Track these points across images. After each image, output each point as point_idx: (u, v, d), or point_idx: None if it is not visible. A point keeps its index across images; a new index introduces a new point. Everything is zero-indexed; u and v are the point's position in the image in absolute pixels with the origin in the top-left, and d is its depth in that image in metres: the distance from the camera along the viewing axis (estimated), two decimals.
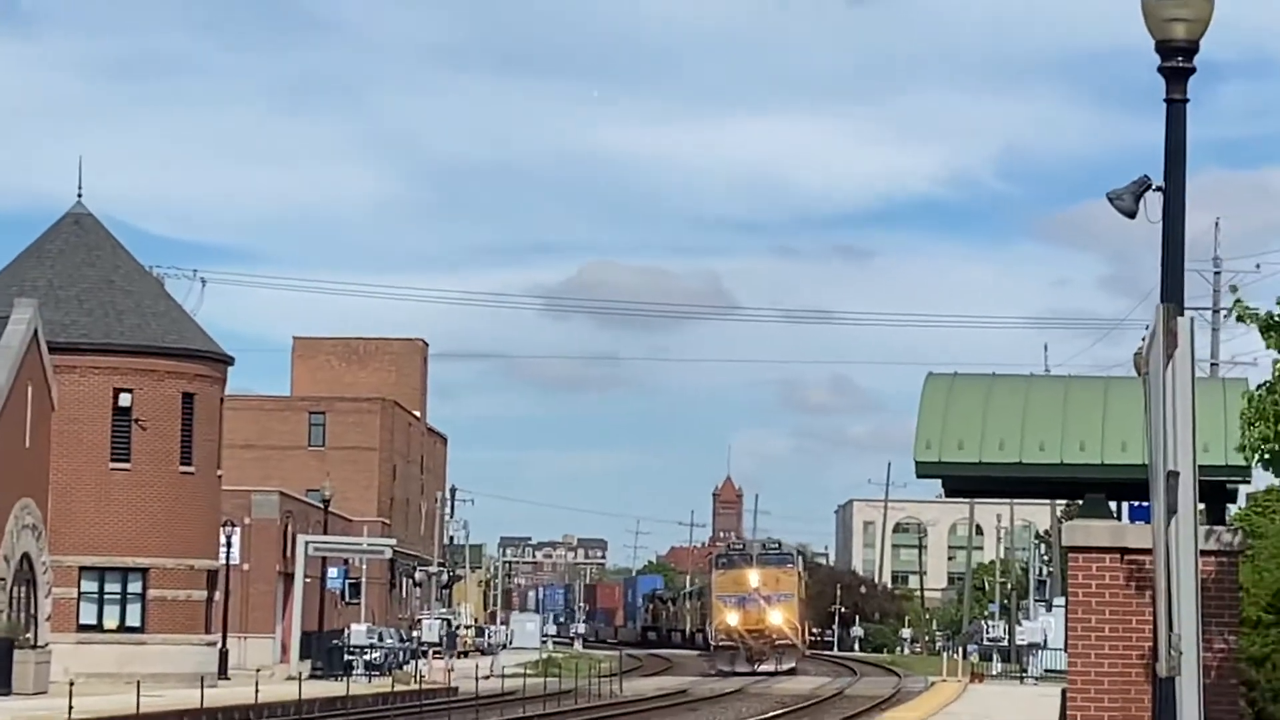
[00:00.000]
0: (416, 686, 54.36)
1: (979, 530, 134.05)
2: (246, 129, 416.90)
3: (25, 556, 43.63)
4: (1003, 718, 40.27)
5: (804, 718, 46.05)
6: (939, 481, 18.55)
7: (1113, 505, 11.55)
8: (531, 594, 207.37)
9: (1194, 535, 4.48)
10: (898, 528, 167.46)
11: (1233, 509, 19.44)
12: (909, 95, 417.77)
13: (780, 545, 58.38)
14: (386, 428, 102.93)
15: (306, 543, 63.36)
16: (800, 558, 58.90)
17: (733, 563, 55.35)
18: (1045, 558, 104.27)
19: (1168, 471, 4.36)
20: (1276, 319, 14.08)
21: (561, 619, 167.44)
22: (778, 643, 50.75)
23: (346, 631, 64.38)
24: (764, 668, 54.06)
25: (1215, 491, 16.33)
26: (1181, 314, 5.02)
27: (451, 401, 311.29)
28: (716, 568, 66.78)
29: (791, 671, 55.56)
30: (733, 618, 54.61)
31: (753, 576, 52.98)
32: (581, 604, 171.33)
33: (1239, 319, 14.19)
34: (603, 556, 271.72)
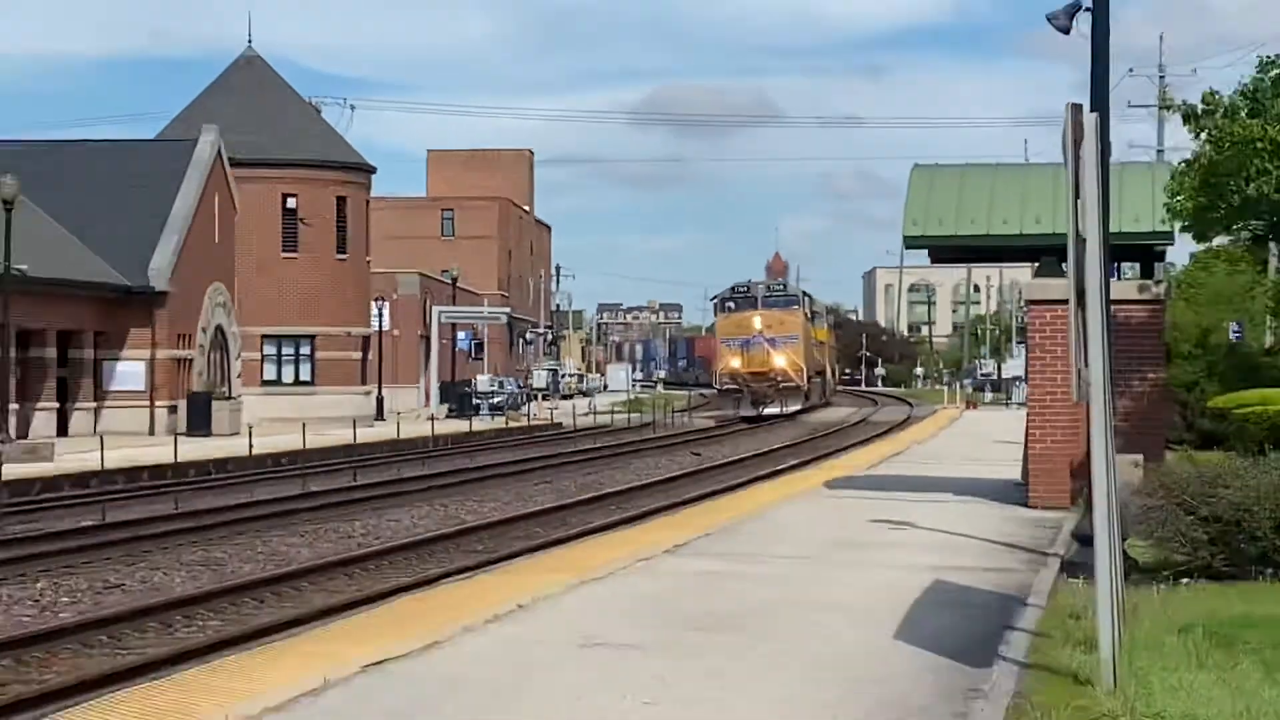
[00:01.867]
0: (528, 423, 58.34)
1: (976, 289, 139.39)
2: None
3: (219, 328, 47.36)
4: (989, 427, 41.85)
5: (837, 436, 46.91)
6: (925, 252, 19.32)
7: (1064, 267, 11.29)
8: (628, 347, 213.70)
9: (1100, 290, 4.40)
10: (912, 288, 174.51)
11: (1160, 267, 18.84)
12: None
13: (785, 286, 47.00)
14: (503, 220, 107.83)
15: (440, 312, 67.07)
16: (808, 299, 48.40)
17: (737, 305, 46.41)
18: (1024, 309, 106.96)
19: (1079, 238, 4.22)
20: (1194, 109, 14.02)
21: (649, 367, 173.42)
22: (782, 385, 42.63)
23: (473, 381, 67.86)
24: (769, 410, 44.97)
25: (1146, 253, 15.93)
26: (1081, 110, 4.76)
27: (555, 198, 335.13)
28: (721, 311, 55.55)
29: (795, 415, 47.13)
30: (735, 361, 46.08)
31: (756, 319, 44.16)
32: (669, 355, 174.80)
33: (1167, 109, 14.19)
34: (679, 317, 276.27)
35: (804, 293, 49.54)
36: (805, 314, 43.27)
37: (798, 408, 41.76)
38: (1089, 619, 5.09)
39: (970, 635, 6.20)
